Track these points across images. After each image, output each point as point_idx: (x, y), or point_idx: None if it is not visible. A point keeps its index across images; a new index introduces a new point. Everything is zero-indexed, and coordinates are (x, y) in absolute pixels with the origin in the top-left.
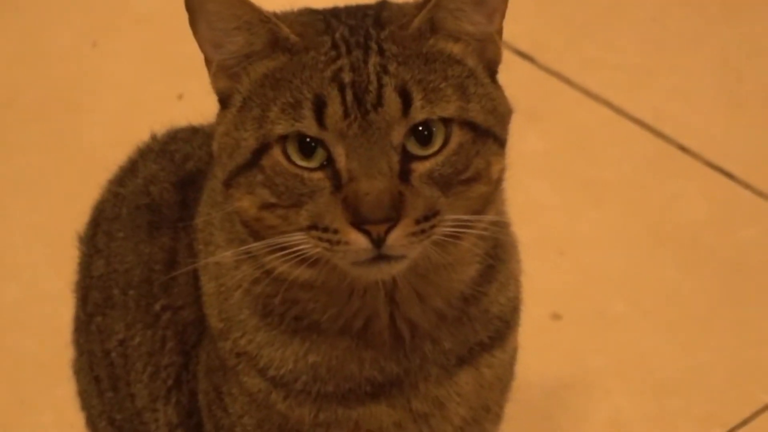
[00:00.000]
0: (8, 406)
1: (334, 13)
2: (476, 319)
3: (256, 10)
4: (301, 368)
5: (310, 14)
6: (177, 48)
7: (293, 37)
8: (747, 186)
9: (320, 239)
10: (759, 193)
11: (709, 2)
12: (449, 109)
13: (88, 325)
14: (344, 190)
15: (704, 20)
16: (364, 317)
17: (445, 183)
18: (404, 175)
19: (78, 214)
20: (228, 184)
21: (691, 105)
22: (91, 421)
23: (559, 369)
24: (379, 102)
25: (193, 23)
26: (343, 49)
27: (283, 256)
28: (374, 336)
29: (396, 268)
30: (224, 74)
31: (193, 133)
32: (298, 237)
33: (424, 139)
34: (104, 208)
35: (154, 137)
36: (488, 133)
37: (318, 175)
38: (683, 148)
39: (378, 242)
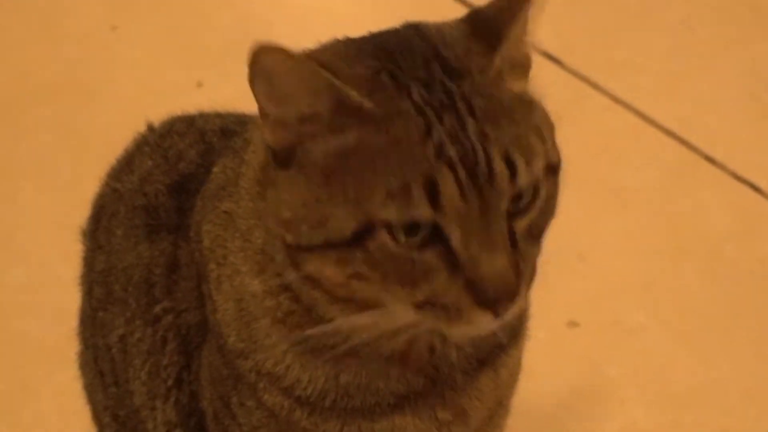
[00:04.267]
0: (10, 391)
1: (387, 55)
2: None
3: (322, 76)
4: (331, 387)
5: (358, 58)
6: (197, 36)
7: (367, 104)
8: None
9: (436, 315)
10: None
11: (741, 8)
12: (540, 164)
13: (93, 320)
14: (467, 272)
15: (735, 26)
16: (406, 345)
17: (539, 234)
18: (512, 240)
19: (87, 200)
20: (304, 249)
21: (718, 114)
22: (96, 416)
23: (574, 377)
24: (490, 176)
25: (254, 81)
26: (431, 115)
27: (366, 316)
28: (408, 356)
29: (495, 327)
30: (283, 129)
31: (188, 126)
32: (399, 307)
33: (516, 195)
34: (104, 203)
35: (151, 128)
36: (559, 166)
37: (429, 254)
38: (709, 158)
39: (501, 314)
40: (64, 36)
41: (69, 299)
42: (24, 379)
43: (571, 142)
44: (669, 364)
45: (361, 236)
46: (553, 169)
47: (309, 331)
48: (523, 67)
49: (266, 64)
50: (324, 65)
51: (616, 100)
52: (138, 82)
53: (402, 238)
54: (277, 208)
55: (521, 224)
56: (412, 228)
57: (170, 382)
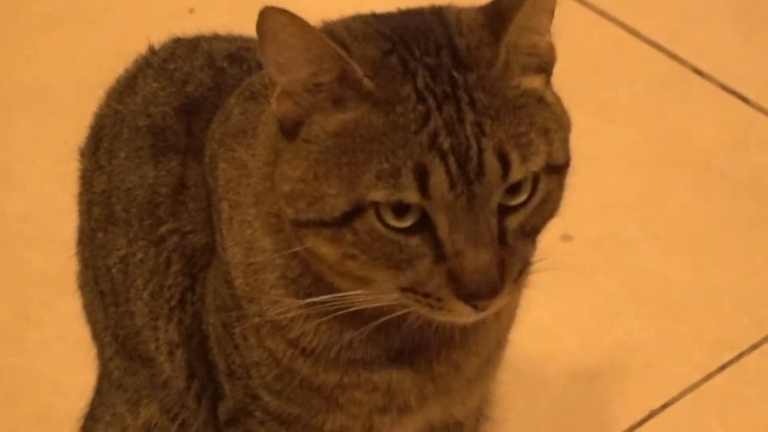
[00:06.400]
0: (13, 320)
1: (401, 38)
2: None
3: (328, 45)
4: (335, 341)
5: (372, 37)
6: None
7: (368, 83)
8: (761, 110)
9: (418, 301)
10: None
11: None
12: (539, 162)
13: (92, 240)
14: (449, 263)
15: None
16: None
17: (533, 232)
18: (501, 236)
19: (85, 128)
20: (302, 225)
21: (706, 27)
22: (96, 335)
23: (569, 291)
24: (481, 170)
25: (262, 46)
26: (432, 103)
27: (361, 295)
28: (408, 316)
29: (478, 319)
30: (289, 99)
31: (192, 50)
32: (384, 290)
33: (512, 190)
34: (104, 123)
35: (152, 50)
36: (566, 165)
37: (416, 240)
38: (698, 71)
39: (482, 309)
40: None
41: (69, 227)
42: (26, 308)
43: (560, 58)
44: (663, 275)
45: (350, 217)
46: (556, 170)
47: (316, 299)
48: (540, 60)
49: (272, 26)
50: (333, 37)
51: (604, 14)
52: (130, 9)
53: (390, 221)
54: (280, 181)
55: (513, 221)
56: (400, 212)
57: (173, 303)
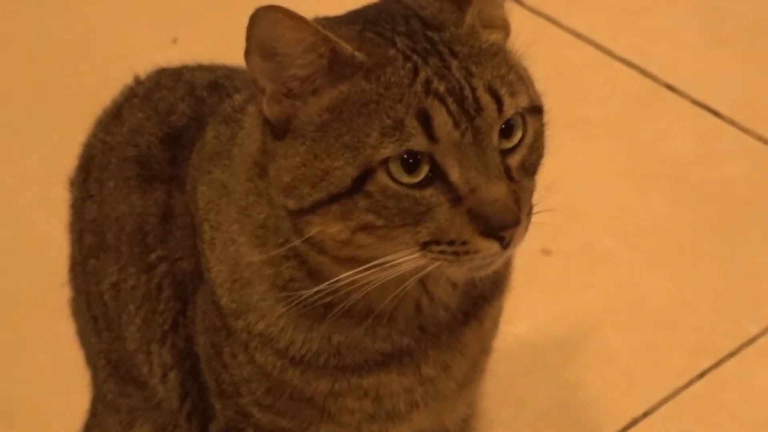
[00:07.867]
0: (6, 348)
1: (368, 20)
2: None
3: (319, 32)
4: (324, 347)
5: (342, 23)
6: None
7: (359, 55)
8: (732, 123)
9: (443, 252)
10: (744, 130)
11: None
12: (524, 100)
13: (84, 267)
14: (467, 202)
15: None
16: (397, 302)
17: (533, 170)
18: (507, 173)
19: (72, 159)
20: (307, 211)
21: (677, 44)
22: (89, 359)
23: (549, 303)
24: (478, 105)
25: (249, 55)
26: (417, 59)
27: (369, 270)
28: (395, 315)
29: (503, 261)
30: (278, 101)
31: (175, 80)
32: (404, 253)
33: (507, 133)
34: (93, 154)
35: (138, 80)
36: (542, 109)
37: (429, 191)
38: (670, 87)
39: (507, 244)
40: (42, 2)
41: (59, 256)
42: (20, 336)
43: (536, 78)
44: (641, 285)
45: (361, 182)
46: (537, 110)
47: (314, 289)
48: (497, 27)
49: (265, 26)
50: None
51: (576, 35)
52: (115, 41)
53: (403, 178)
54: (278, 177)
55: (514, 160)
56: (411, 167)
57: (166, 327)
